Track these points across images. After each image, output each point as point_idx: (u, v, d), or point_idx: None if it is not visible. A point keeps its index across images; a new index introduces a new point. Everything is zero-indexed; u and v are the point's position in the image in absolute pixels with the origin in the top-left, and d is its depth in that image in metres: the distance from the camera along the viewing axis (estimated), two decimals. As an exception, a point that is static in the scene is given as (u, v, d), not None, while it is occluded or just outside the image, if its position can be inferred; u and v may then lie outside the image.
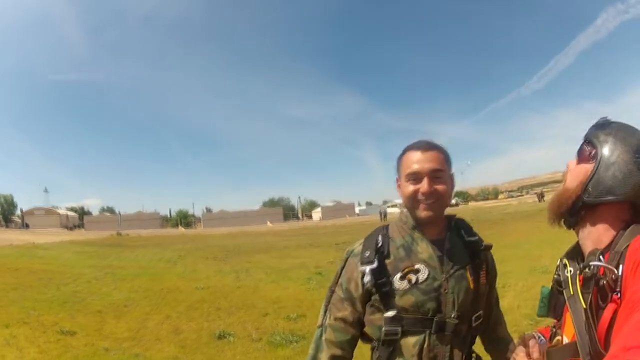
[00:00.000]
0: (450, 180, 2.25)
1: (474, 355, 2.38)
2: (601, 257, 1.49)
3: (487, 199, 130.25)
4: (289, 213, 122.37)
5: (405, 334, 2.11)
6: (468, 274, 2.22)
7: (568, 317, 1.61)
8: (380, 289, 2.12)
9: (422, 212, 2.16)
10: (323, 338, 2.25)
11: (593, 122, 1.74)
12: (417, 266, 2.14)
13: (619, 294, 1.37)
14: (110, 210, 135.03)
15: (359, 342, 2.33)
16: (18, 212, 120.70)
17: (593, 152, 1.64)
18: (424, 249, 2.19)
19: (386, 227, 2.33)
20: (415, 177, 2.15)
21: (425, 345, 2.10)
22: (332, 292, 2.31)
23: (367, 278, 2.13)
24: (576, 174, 1.68)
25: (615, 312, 1.35)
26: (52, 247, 35.53)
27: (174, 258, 25.79)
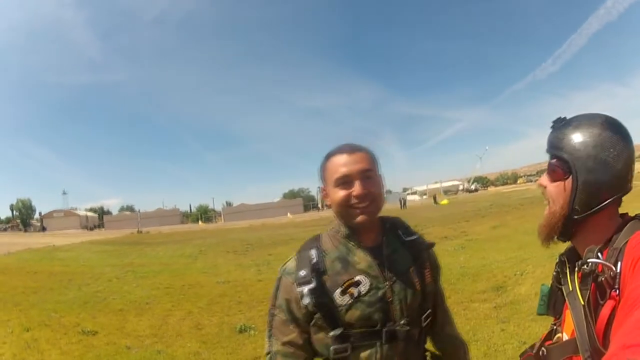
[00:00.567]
0: (380, 181, 2.16)
1: (427, 354, 2.30)
2: (599, 254, 1.48)
3: (506, 183, 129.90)
4: (309, 204, 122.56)
5: (355, 350, 2.01)
6: (412, 276, 2.13)
7: (568, 314, 1.61)
8: (322, 309, 2.01)
9: (358, 218, 2.05)
10: None
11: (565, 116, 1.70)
12: (357, 278, 2.03)
13: (617, 291, 1.37)
14: (130, 208, 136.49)
15: None
16: (37, 215, 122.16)
17: (565, 166, 1.60)
18: (361, 258, 2.08)
19: (318, 239, 2.20)
20: (345, 181, 2.04)
21: (379, 358, 2.01)
22: (272, 315, 2.13)
23: (306, 300, 2.00)
24: (556, 195, 1.63)
25: (613, 309, 1.35)
26: (72, 248, 35.98)
27: (194, 253, 25.97)
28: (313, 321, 2.04)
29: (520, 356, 1.91)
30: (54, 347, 8.36)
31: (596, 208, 1.54)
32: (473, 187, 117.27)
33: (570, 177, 1.57)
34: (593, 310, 1.43)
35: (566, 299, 1.62)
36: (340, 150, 2.13)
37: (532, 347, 1.86)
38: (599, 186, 1.53)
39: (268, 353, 2.12)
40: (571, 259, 1.68)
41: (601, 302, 1.41)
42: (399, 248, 2.16)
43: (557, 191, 1.62)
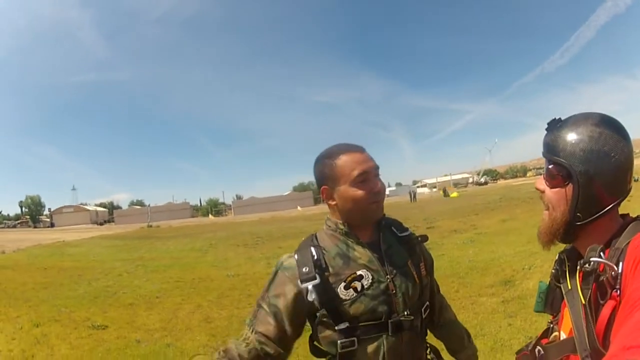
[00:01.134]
0: None
1: (427, 345, 2.36)
2: (601, 253, 1.46)
3: (516, 176, 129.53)
4: (319, 197, 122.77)
5: (362, 343, 2.04)
6: (411, 269, 2.19)
7: (566, 313, 1.61)
8: (328, 304, 2.03)
9: (375, 213, 2.15)
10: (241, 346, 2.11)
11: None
12: (359, 272, 2.07)
13: (618, 291, 1.36)
14: (140, 203, 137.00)
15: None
16: (46, 212, 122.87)
17: (565, 172, 1.58)
18: (361, 253, 2.13)
19: (314, 238, 2.23)
20: (365, 179, 2.09)
21: (386, 349, 2.05)
22: (259, 306, 2.16)
23: (312, 296, 2.01)
24: (556, 201, 1.62)
25: (614, 309, 1.35)
26: (82, 243, 36.22)
27: (204, 247, 26.14)
28: (317, 319, 2.08)
29: (517, 354, 1.93)
30: (64, 342, 8.46)
31: (599, 214, 1.54)
32: (483, 180, 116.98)
33: (571, 183, 1.56)
34: (594, 310, 1.43)
35: (564, 297, 1.63)
36: (348, 149, 2.16)
37: (528, 345, 1.88)
38: (601, 192, 1.53)
39: (241, 337, 2.13)
40: (571, 257, 1.70)
41: (602, 301, 1.42)
42: (394, 243, 2.22)
43: (557, 198, 1.62)
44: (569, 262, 1.68)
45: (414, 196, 65.32)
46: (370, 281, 2.06)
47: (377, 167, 2.15)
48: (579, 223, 1.57)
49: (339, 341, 2.03)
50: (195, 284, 13.93)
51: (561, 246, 1.77)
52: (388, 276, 2.09)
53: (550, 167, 1.64)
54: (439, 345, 2.56)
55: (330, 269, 2.07)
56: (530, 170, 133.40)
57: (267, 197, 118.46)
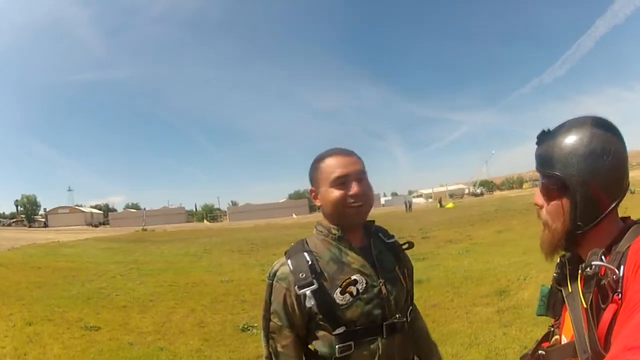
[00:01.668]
0: (370, 184, 2.26)
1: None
2: (603, 257, 1.45)
3: (512, 187, 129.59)
4: (315, 205, 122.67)
5: (358, 346, 2.07)
6: (399, 274, 2.26)
7: (567, 317, 1.62)
8: (325, 309, 2.07)
9: (353, 217, 2.17)
10: None
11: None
12: (353, 277, 2.11)
13: (619, 295, 1.36)
14: (136, 206, 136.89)
15: None
16: (42, 211, 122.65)
17: (560, 184, 1.57)
18: (354, 258, 2.17)
19: (305, 243, 2.27)
20: (342, 181, 2.14)
21: (381, 352, 2.09)
22: (267, 320, 2.19)
23: (310, 302, 2.06)
24: (556, 214, 1.61)
25: (616, 313, 1.35)
26: (77, 244, 36.16)
27: (199, 252, 26.10)
28: (315, 321, 2.11)
29: (520, 359, 1.92)
30: (56, 341, 8.44)
31: (599, 219, 1.53)
32: (479, 191, 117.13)
33: (568, 194, 1.55)
34: (595, 314, 1.43)
35: (565, 301, 1.64)
36: (334, 152, 2.23)
37: (531, 350, 1.88)
38: (599, 196, 1.52)
39: (267, 357, 2.19)
40: (572, 261, 1.68)
41: (603, 305, 1.41)
42: (383, 249, 2.28)
43: (556, 210, 1.61)
44: (570, 265, 1.68)
45: (410, 206, 65.41)
46: (364, 285, 2.10)
47: (360, 172, 2.18)
48: (580, 232, 1.56)
49: (336, 346, 2.05)
50: (189, 289, 13.93)
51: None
52: (380, 280, 2.14)
53: (544, 181, 1.64)
54: None
55: (325, 275, 2.10)
56: (527, 181, 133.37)
57: (262, 204, 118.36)
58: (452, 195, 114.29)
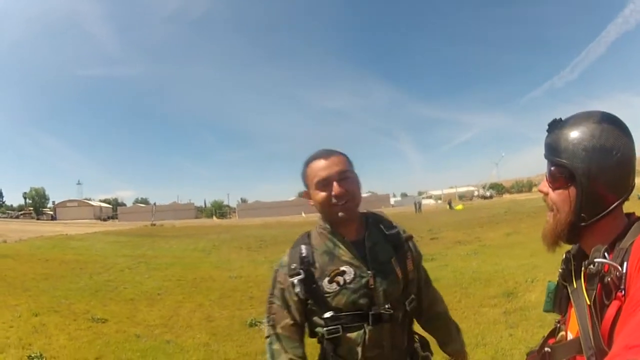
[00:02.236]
0: (357, 180, 2.40)
1: (416, 336, 2.57)
2: (606, 253, 1.46)
3: (521, 191, 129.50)
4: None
5: (346, 330, 2.27)
6: (394, 266, 2.37)
7: (573, 313, 1.61)
8: (313, 296, 2.29)
9: (339, 214, 2.30)
10: (274, 347, 2.38)
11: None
12: (342, 268, 2.29)
13: (623, 291, 1.36)
14: (145, 201, 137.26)
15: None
16: (50, 204, 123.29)
17: (567, 173, 1.56)
18: (345, 250, 2.34)
19: (308, 236, 2.48)
20: (325, 184, 2.29)
21: (367, 337, 2.26)
22: (270, 302, 2.43)
23: (297, 289, 2.27)
24: (560, 203, 1.61)
25: (619, 310, 1.35)
26: (85, 238, 36.37)
27: (208, 248, 26.26)
28: (308, 306, 2.33)
29: (527, 356, 1.93)
30: (62, 332, 8.45)
31: (603, 213, 1.53)
32: (488, 193, 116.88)
33: (573, 184, 1.55)
34: (599, 311, 1.43)
35: (571, 297, 1.63)
36: (317, 156, 2.40)
37: (538, 346, 1.90)
38: (605, 191, 1.52)
39: (268, 336, 2.41)
40: (577, 256, 1.68)
41: (607, 302, 1.41)
42: (380, 241, 2.42)
43: (560, 199, 1.61)
44: (575, 261, 1.67)
45: (419, 207, 65.43)
46: (352, 276, 2.28)
47: (341, 172, 2.32)
48: (583, 224, 1.56)
49: (324, 328, 2.28)
50: (197, 283, 13.99)
51: (566, 247, 1.76)
52: (370, 272, 2.29)
53: (552, 168, 1.64)
54: (431, 339, 2.69)
55: (317, 265, 2.32)
56: (536, 185, 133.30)
57: (271, 202, 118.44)
58: (461, 197, 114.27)
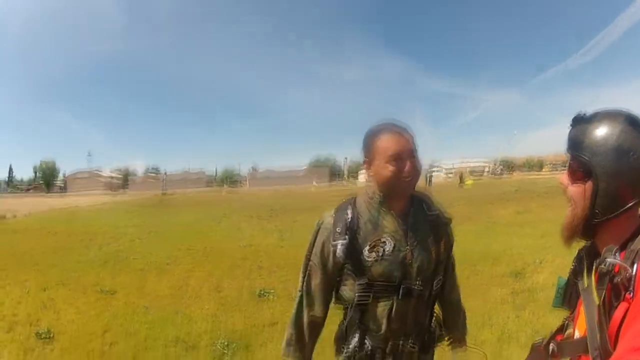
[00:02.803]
0: (420, 158, 2.46)
1: (435, 314, 2.70)
2: (617, 254, 1.46)
3: (532, 169, 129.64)
4: (336, 173, 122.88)
5: (375, 299, 2.38)
6: (430, 245, 2.47)
7: (581, 311, 1.62)
8: (352, 261, 2.37)
9: (404, 190, 2.40)
10: (304, 302, 2.55)
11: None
12: (383, 239, 2.38)
13: (632, 293, 1.36)
14: (156, 170, 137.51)
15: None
16: (61, 177, 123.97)
17: (586, 169, 1.56)
18: (389, 222, 2.42)
19: (353, 202, 2.53)
20: (397, 158, 2.32)
21: (394, 309, 2.38)
22: (308, 259, 2.52)
23: (339, 253, 2.35)
24: (577, 197, 1.60)
25: (627, 311, 1.35)
26: (95, 209, 36.76)
27: (218, 217, 26.41)
28: (344, 270, 2.43)
29: (532, 347, 1.97)
30: (70, 306, 8.50)
31: (617, 212, 1.52)
32: (499, 170, 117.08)
33: (591, 180, 1.55)
34: (607, 311, 1.43)
35: (581, 294, 1.65)
36: (391, 129, 2.43)
37: (542, 340, 1.93)
38: (621, 190, 1.51)
39: (300, 290, 2.57)
40: (590, 254, 1.68)
41: (615, 303, 1.41)
42: (421, 219, 2.51)
43: (577, 193, 1.61)
44: (588, 259, 1.68)
45: (430, 180, 65.69)
46: (391, 248, 2.36)
47: (413, 150, 2.38)
48: (597, 220, 1.56)
49: (357, 293, 2.38)
50: (207, 253, 14.08)
51: (582, 242, 1.75)
52: (408, 247, 2.39)
53: (572, 162, 1.64)
54: None
55: (360, 231, 2.39)
56: (547, 165, 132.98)
57: (283, 171, 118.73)
58: (472, 172, 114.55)
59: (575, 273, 1.74)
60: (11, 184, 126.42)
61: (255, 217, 25.50)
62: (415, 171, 2.37)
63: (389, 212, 2.43)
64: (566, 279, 1.85)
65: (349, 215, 2.41)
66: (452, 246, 2.71)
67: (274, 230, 18.90)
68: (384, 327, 2.39)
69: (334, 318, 2.66)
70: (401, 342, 2.46)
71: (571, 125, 1.65)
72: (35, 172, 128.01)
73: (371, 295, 2.37)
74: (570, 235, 1.65)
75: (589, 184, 1.55)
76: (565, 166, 1.70)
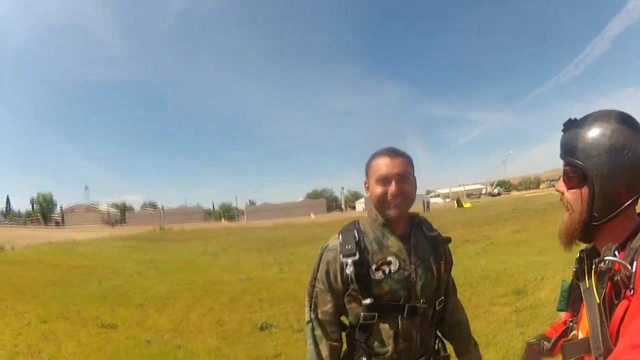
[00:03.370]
0: (414, 182, 2.56)
1: (437, 335, 2.70)
2: (616, 252, 1.48)
3: (529, 188, 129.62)
4: (332, 204, 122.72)
5: (381, 318, 2.41)
6: (432, 264, 2.54)
7: (585, 312, 1.61)
8: (360, 279, 2.39)
9: (391, 211, 2.46)
10: (317, 332, 2.53)
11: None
12: (389, 258, 2.44)
13: (632, 291, 1.38)
14: (153, 205, 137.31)
15: None
16: (58, 210, 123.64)
17: (580, 173, 1.59)
18: (393, 242, 2.49)
19: (358, 223, 2.61)
20: (384, 180, 2.46)
21: (400, 328, 2.41)
22: (312, 286, 2.58)
23: (349, 269, 2.38)
24: (574, 202, 1.64)
25: (627, 309, 1.37)
26: (93, 243, 36.57)
27: (217, 251, 26.33)
28: (348, 291, 2.47)
29: (527, 345, 2.06)
30: (71, 339, 8.49)
31: (615, 213, 1.55)
32: (496, 191, 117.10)
33: (586, 184, 1.57)
34: (608, 310, 1.45)
35: (583, 295, 1.64)
36: (384, 153, 2.56)
37: (538, 338, 2.03)
38: (617, 191, 1.53)
39: (310, 321, 2.56)
40: (590, 255, 1.69)
41: (616, 301, 1.43)
42: (422, 240, 2.58)
43: (574, 198, 1.63)
44: (588, 260, 1.68)
45: (428, 205, 65.86)
46: (397, 267, 2.42)
47: (402, 173, 2.47)
48: (595, 223, 1.58)
49: (362, 313, 2.41)
50: (207, 287, 14.04)
51: (582, 246, 1.78)
52: (412, 266, 2.45)
53: (566, 168, 1.66)
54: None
55: (367, 251, 2.45)
56: (544, 182, 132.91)
57: (280, 204, 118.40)
58: (469, 195, 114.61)
59: (577, 275, 1.76)
60: (8, 215, 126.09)
61: (254, 250, 25.43)
62: (403, 193, 2.45)
63: (392, 233, 2.51)
64: (569, 282, 1.89)
65: (356, 234, 2.49)
66: (452, 266, 2.78)
67: (274, 263, 18.83)
68: (390, 348, 2.42)
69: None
70: None
71: (562, 130, 1.70)
72: (33, 204, 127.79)
73: (376, 315, 2.40)
74: (568, 240, 1.68)
75: (584, 189, 1.58)
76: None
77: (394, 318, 2.41)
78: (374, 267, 2.41)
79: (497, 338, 7.12)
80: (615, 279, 1.43)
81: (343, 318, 2.60)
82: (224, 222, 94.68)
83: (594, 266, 1.55)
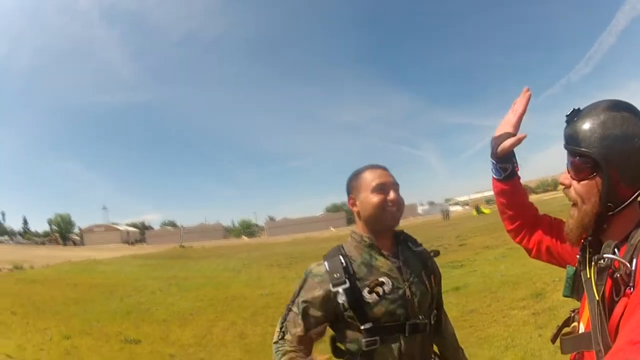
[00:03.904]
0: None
1: (432, 350, 2.68)
2: (616, 249, 1.49)
3: (547, 190, 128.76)
4: (352, 217, 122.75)
5: (383, 341, 2.34)
6: (424, 279, 2.53)
7: (586, 305, 1.63)
8: (354, 306, 2.33)
9: (389, 221, 2.48)
10: (282, 349, 2.43)
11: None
12: (381, 279, 2.40)
13: (632, 289, 1.39)
14: (172, 223, 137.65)
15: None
16: (76, 230, 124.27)
17: (591, 163, 1.59)
18: (383, 262, 2.46)
19: (341, 248, 2.55)
20: (382, 188, 2.47)
21: (404, 349, 2.35)
22: (289, 310, 2.48)
23: (341, 298, 2.32)
24: (586, 193, 1.63)
25: (627, 306, 1.38)
26: (113, 261, 36.63)
27: (238, 267, 26.34)
28: (344, 319, 2.39)
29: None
30: (95, 354, 8.59)
31: (629, 201, 1.56)
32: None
33: (599, 173, 1.57)
34: (608, 307, 1.46)
35: (584, 285, 1.66)
36: (371, 166, 2.61)
37: (553, 336, 2.06)
38: (631, 179, 1.54)
39: (276, 342, 2.48)
40: (593, 244, 1.70)
41: (616, 299, 1.44)
42: (411, 256, 2.59)
43: (586, 190, 1.62)
44: (591, 249, 1.69)
45: (447, 214, 65.72)
46: (390, 287, 2.40)
47: (395, 183, 2.55)
48: (611, 213, 1.59)
49: (363, 340, 2.33)
50: (229, 302, 14.09)
51: None
52: (406, 283, 2.44)
53: (575, 159, 1.66)
54: None
55: (357, 276, 2.39)
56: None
57: (299, 218, 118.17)
58: (488, 201, 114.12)
59: (580, 263, 1.76)
60: (26, 235, 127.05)
61: (275, 265, 25.41)
62: (399, 202, 2.50)
63: (380, 253, 2.49)
64: (574, 268, 1.87)
65: (343, 261, 2.42)
66: (440, 279, 2.74)
67: (295, 277, 18.55)
68: None
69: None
70: None
71: (566, 121, 1.71)
72: (50, 225, 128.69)
73: (378, 339, 2.33)
74: (579, 233, 1.70)
75: (597, 179, 1.58)
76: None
77: (396, 339, 2.37)
78: (366, 290, 2.37)
79: (516, 341, 7.20)
80: (615, 276, 1.45)
81: (340, 344, 2.52)
82: (244, 239, 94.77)
83: (593, 262, 1.57)
